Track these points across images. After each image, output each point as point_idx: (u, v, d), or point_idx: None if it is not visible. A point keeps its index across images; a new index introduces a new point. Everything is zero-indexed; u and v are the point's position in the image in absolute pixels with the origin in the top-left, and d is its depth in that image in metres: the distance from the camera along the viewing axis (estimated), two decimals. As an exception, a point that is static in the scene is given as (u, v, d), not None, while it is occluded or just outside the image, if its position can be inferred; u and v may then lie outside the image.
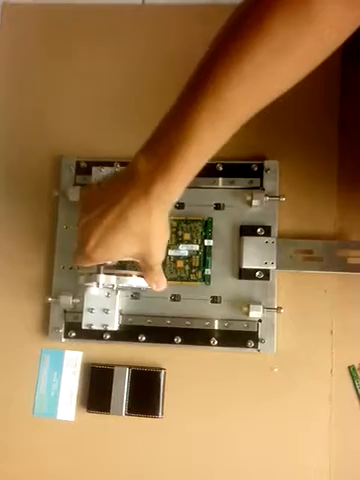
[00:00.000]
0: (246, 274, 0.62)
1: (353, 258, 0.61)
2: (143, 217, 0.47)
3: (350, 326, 0.62)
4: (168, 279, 0.58)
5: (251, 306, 0.61)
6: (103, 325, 0.62)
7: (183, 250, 0.64)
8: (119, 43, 0.73)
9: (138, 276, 0.56)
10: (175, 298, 0.64)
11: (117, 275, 0.57)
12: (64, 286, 0.65)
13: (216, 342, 0.62)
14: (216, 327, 0.62)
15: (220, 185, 0.65)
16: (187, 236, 0.64)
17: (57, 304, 0.65)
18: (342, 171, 0.65)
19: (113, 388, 0.63)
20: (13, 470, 0.65)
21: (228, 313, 0.63)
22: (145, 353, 0.64)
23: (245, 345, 0.61)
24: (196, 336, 0.63)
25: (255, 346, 0.61)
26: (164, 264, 0.63)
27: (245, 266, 0.62)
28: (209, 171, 0.59)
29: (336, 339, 0.62)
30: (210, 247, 0.64)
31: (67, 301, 0.64)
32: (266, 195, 0.63)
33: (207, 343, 0.62)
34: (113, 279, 0.57)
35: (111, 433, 0.64)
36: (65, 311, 0.65)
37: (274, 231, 0.63)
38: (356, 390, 0.61)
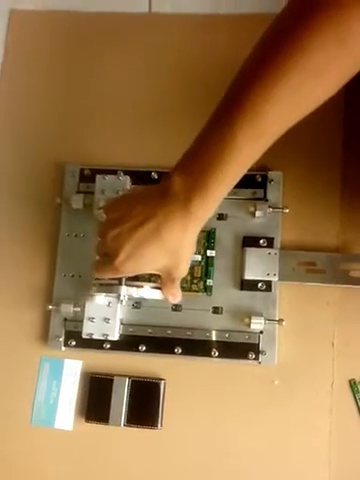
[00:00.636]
0: (248, 285, 0.62)
1: (355, 271, 0.61)
2: (177, 233, 0.48)
3: (352, 339, 0.62)
4: (169, 289, 0.58)
5: (253, 318, 0.60)
6: (104, 334, 0.62)
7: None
8: (124, 51, 0.73)
9: (152, 288, 0.57)
10: (176, 308, 0.64)
11: (136, 287, 0.57)
12: (65, 294, 0.65)
13: (217, 353, 0.62)
14: (217, 338, 0.62)
15: (223, 196, 0.65)
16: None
17: (58, 312, 0.64)
18: (345, 184, 0.65)
19: (112, 398, 0.62)
20: (9, 478, 0.64)
21: (229, 324, 0.62)
22: (145, 363, 0.64)
23: (246, 357, 0.61)
24: (197, 347, 0.62)
25: (256, 358, 0.61)
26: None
27: (247, 277, 0.62)
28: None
29: (337, 351, 0.61)
30: (212, 258, 0.64)
31: (68, 309, 0.63)
32: (270, 206, 0.62)
33: (208, 354, 0.62)
34: (134, 291, 0.57)
35: (109, 444, 0.63)
36: (65, 319, 0.65)
37: (277, 242, 0.63)
38: (357, 404, 0.60)
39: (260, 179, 0.64)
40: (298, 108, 0.43)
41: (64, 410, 0.65)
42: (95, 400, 0.63)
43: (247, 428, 0.61)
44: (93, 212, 0.64)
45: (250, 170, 0.64)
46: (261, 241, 0.63)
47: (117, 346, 0.63)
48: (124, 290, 0.57)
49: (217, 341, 0.62)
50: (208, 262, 0.64)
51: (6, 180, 0.71)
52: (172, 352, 0.63)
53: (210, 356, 0.62)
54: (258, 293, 0.62)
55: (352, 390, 0.60)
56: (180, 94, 0.71)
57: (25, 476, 0.64)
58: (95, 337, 0.62)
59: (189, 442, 0.62)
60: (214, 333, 0.62)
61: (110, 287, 0.57)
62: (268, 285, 0.62)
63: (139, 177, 0.66)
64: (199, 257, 0.63)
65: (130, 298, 0.61)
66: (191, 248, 0.51)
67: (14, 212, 0.70)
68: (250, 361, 0.61)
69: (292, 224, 0.64)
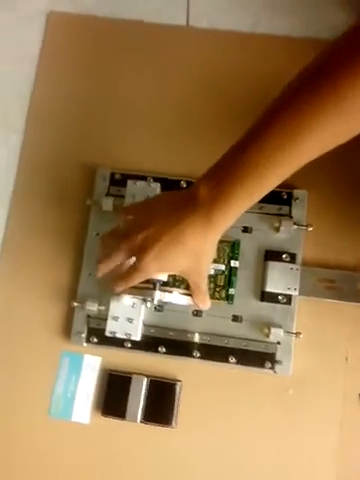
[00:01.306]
0: (268, 297, 0.65)
1: (372, 290, 0.64)
2: (200, 238, 0.51)
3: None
4: (192, 295, 0.61)
5: (272, 329, 0.63)
6: (126, 334, 0.64)
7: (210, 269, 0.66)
8: (159, 61, 0.75)
9: (181, 294, 0.59)
10: (197, 314, 0.66)
11: (168, 292, 0.59)
12: (89, 292, 0.67)
13: (234, 360, 0.64)
14: (235, 345, 0.64)
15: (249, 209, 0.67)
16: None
17: (81, 309, 0.66)
18: (367, 206, 0.67)
19: (130, 395, 0.65)
20: (25, 467, 0.66)
21: (248, 333, 0.65)
22: (163, 364, 0.66)
23: (262, 365, 0.63)
24: (215, 352, 0.65)
25: (272, 367, 0.63)
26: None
27: (268, 289, 0.65)
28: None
29: (350, 366, 0.64)
30: (236, 268, 0.66)
31: (93, 307, 0.66)
32: (294, 223, 0.65)
33: (225, 360, 0.64)
34: (167, 296, 0.59)
35: (125, 438, 0.65)
36: (88, 316, 0.67)
37: (299, 258, 0.65)
38: (365, 417, 0.63)
39: (286, 196, 0.67)
40: (330, 143, 0.45)
41: (81, 404, 0.67)
42: (112, 396, 0.66)
43: (259, 434, 0.64)
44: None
45: (276, 187, 0.68)
46: (283, 256, 0.65)
47: (137, 346, 0.66)
48: (158, 295, 0.59)
49: (235, 348, 0.64)
50: (231, 272, 0.66)
51: (39, 180, 0.73)
52: (190, 355, 0.65)
53: (227, 362, 0.64)
54: (278, 305, 0.64)
55: (362, 404, 0.63)
56: (212, 107, 0.73)
57: (40, 465, 0.66)
58: (118, 336, 0.64)
59: (201, 443, 0.64)
60: (232, 340, 0.65)
61: (143, 291, 0.59)
62: (288, 299, 0.64)
63: (168, 185, 0.69)
64: (223, 267, 0.66)
65: (159, 303, 0.63)
66: (212, 253, 0.54)
67: (44, 211, 0.72)
68: (266, 370, 0.63)
69: (314, 241, 0.66)
